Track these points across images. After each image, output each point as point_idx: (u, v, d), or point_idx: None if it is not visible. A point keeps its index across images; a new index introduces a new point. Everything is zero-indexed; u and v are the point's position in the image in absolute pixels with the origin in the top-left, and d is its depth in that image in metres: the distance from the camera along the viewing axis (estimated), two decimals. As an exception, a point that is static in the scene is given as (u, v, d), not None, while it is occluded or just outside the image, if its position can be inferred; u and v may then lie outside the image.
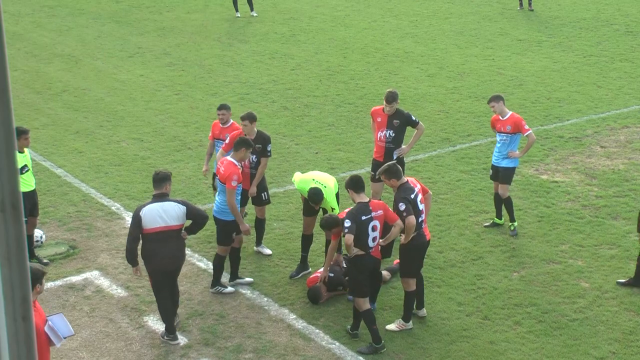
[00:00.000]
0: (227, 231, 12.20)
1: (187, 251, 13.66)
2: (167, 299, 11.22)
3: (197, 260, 13.38)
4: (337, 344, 11.21)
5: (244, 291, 12.43)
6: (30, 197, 12.91)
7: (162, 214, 10.86)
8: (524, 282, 12.62)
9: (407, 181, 11.32)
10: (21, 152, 12.77)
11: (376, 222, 11.01)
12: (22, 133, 12.70)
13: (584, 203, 15.15)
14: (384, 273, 12.46)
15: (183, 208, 10.95)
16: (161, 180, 11.01)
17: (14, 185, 3.11)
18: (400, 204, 11.03)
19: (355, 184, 11.18)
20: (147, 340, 11.36)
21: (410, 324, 11.48)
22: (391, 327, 11.50)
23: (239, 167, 12.11)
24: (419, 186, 11.40)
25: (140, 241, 11.08)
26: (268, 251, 13.58)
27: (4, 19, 29.73)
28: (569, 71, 23.06)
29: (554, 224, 14.37)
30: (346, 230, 10.84)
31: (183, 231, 11.14)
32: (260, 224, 13.61)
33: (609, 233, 14.05)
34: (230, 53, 25.35)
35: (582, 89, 21.53)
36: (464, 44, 25.86)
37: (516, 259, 13.26)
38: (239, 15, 29.68)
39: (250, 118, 13.13)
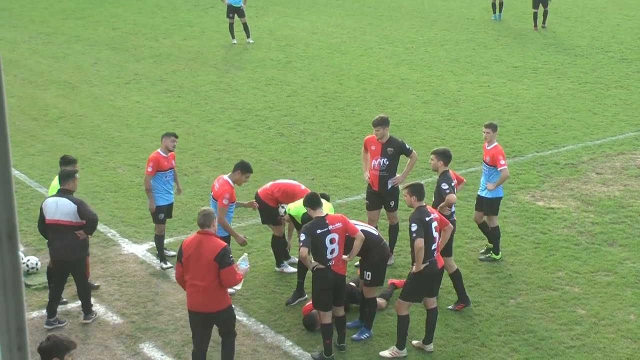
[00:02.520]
0: None
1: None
2: (61, 288, 12.26)
3: (193, 287, 13.32)
4: (334, 371, 11.18)
5: (240, 318, 12.38)
6: None
7: (55, 208, 11.82)
8: (520, 308, 12.59)
9: (426, 206, 11.36)
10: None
11: (334, 235, 11.11)
12: (70, 162, 12.97)
13: (580, 230, 15.15)
14: (379, 300, 12.44)
15: (74, 206, 11.85)
16: (65, 177, 12.06)
17: (10, 215, 3.10)
18: (413, 224, 11.04)
19: (310, 201, 11.40)
20: (142, 368, 11.31)
21: (404, 352, 11.40)
22: (384, 354, 11.44)
23: (233, 186, 12.77)
24: (436, 214, 11.43)
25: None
26: (290, 269, 13.77)
27: (1, 46, 29.86)
28: (564, 98, 23.14)
29: (551, 251, 14.36)
30: (301, 244, 11.07)
31: (80, 230, 11.94)
32: (279, 242, 13.82)
33: (606, 260, 14.04)
34: (227, 79, 25.42)
35: (578, 116, 21.60)
36: (459, 71, 25.96)
37: (513, 286, 13.24)
38: (236, 42, 29.78)
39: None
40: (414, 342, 11.68)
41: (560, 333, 11.94)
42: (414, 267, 11.17)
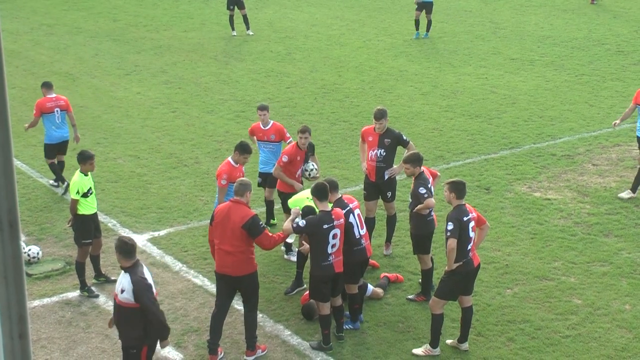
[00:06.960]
0: None
1: (183, 267, 13.78)
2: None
3: (193, 277, 13.45)
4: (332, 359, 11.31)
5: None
6: (94, 219, 13.05)
7: None
8: (517, 298, 12.70)
9: (465, 204, 11.11)
10: (86, 175, 12.92)
11: (337, 231, 11.20)
12: (88, 158, 12.89)
13: (576, 220, 15.26)
14: (378, 290, 12.53)
15: None
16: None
17: (11, 204, 3.15)
18: (449, 223, 10.83)
19: (319, 193, 11.37)
20: (142, 356, 11.42)
21: (437, 350, 11.29)
22: (417, 351, 11.33)
23: (234, 167, 13.01)
24: (474, 214, 11.14)
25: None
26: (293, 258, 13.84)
27: (3, 37, 29.97)
28: (561, 90, 23.22)
29: (547, 241, 14.47)
30: (294, 226, 11.19)
31: None
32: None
33: (601, 250, 14.15)
34: (227, 71, 25.49)
35: (574, 108, 21.68)
36: (457, 63, 26.02)
37: (509, 276, 13.35)
38: (235, 33, 29.84)
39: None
40: (449, 341, 11.54)
41: (556, 323, 12.04)
42: (447, 266, 11.10)
